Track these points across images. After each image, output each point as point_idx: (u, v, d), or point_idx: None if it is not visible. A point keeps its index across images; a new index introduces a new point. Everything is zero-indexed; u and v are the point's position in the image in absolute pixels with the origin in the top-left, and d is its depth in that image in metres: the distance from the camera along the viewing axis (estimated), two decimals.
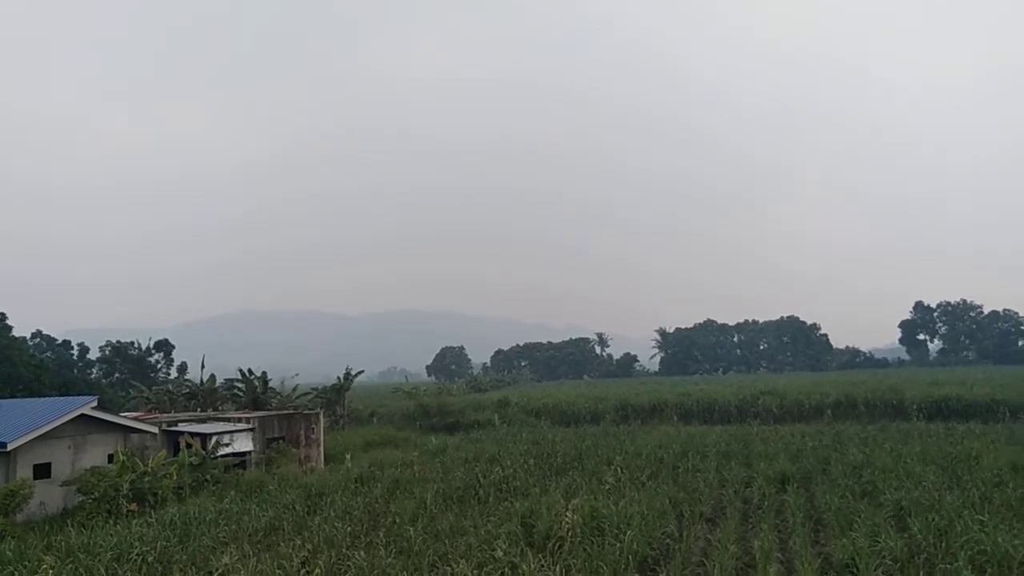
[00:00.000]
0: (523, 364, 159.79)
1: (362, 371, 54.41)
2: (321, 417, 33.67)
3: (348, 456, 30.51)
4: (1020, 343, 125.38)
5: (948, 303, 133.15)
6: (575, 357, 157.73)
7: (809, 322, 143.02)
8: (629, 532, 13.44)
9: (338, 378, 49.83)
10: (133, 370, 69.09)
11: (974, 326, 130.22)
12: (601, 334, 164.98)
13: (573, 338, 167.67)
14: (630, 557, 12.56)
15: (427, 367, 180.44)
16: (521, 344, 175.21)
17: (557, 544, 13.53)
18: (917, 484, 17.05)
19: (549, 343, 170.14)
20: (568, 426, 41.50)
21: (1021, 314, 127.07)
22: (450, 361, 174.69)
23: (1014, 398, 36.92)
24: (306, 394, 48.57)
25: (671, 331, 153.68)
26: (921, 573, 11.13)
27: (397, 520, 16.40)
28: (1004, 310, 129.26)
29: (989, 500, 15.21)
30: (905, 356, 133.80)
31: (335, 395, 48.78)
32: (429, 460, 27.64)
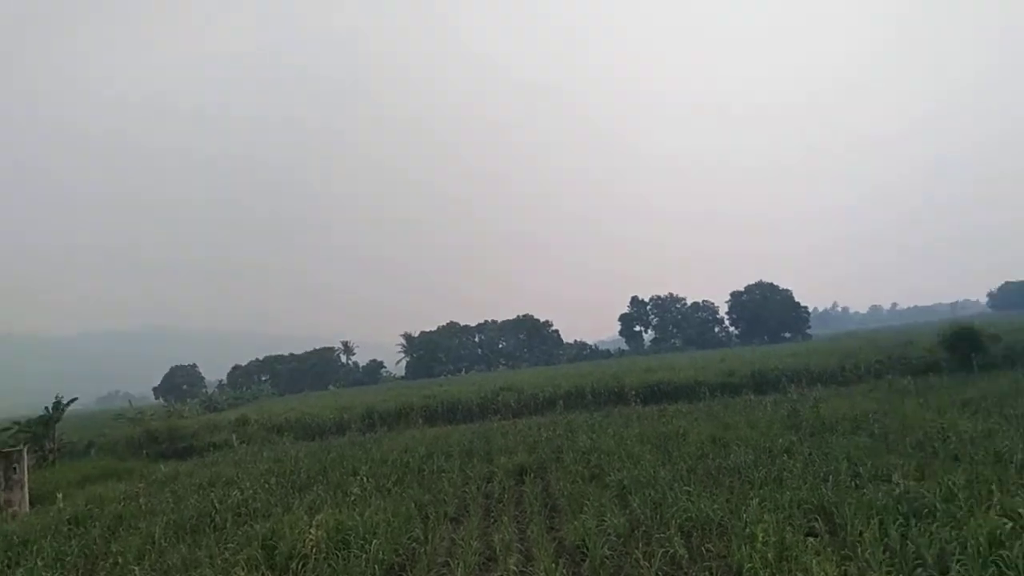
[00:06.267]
0: (264, 379, 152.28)
1: (75, 398, 48.53)
2: (24, 455, 29.54)
3: (59, 495, 27.11)
4: (716, 330, 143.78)
5: (659, 297, 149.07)
6: (319, 367, 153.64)
7: (543, 319, 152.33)
8: (375, 541, 13.37)
9: (46, 408, 44.04)
10: None
11: (679, 316, 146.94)
12: (346, 342, 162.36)
13: (317, 348, 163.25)
14: (376, 566, 12.49)
15: (154, 389, 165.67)
16: (261, 358, 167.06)
17: (301, 563, 13.08)
18: (636, 463, 18.68)
19: (291, 355, 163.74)
20: (313, 439, 40.29)
21: (715, 304, 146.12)
22: (181, 380, 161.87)
23: (712, 379, 42.00)
24: (6, 429, 42.30)
25: (416, 335, 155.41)
26: (640, 544, 12.27)
27: (120, 560, 14.86)
28: (703, 301, 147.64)
29: (694, 471, 17.09)
30: (625, 346, 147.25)
31: (42, 428, 43.01)
32: (158, 490, 25.37)
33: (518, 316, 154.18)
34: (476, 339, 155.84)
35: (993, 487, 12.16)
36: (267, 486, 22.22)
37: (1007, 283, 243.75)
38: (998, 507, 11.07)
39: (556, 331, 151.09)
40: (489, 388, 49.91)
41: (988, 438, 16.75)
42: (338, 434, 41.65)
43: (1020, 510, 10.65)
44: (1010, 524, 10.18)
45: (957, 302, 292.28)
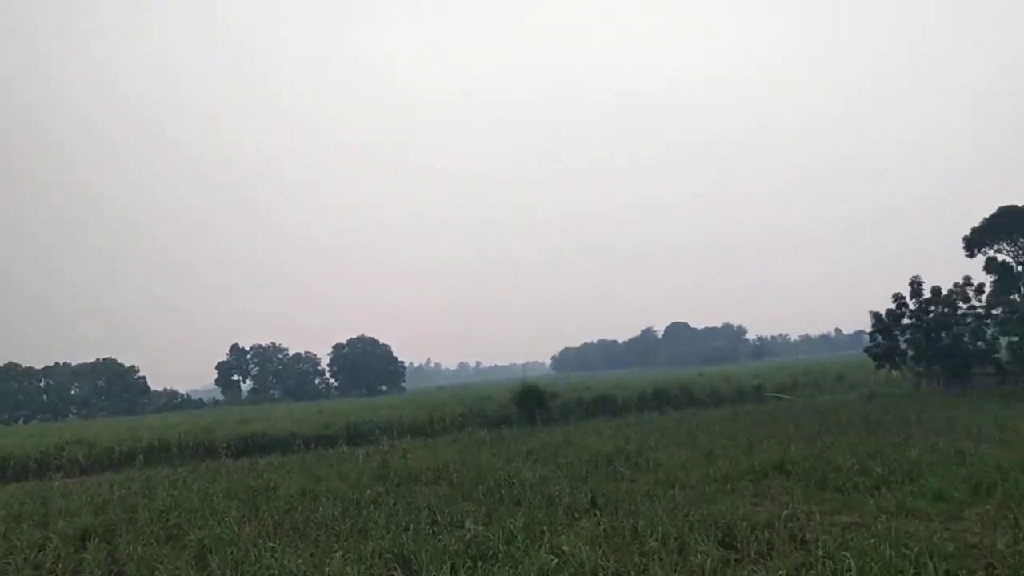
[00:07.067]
0: None
1: None
2: None
3: None
4: (316, 381, 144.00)
5: (260, 345, 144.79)
6: None
7: (128, 364, 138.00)
8: None
9: None
10: None
11: (281, 367, 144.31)
12: None
13: None
14: None
15: None
16: None
17: None
18: (220, 520, 17.70)
19: None
20: None
21: (317, 355, 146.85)
22: None
23: (308, 430, 41.85)
24: None
25: None
26: None
27: None
28: (305, 352, 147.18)
29: (281, 526, 16.75)
30: (220, 396, 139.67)
31: None
32: None
33: (97, 359, 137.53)
34: (42, 384, 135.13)
35: (545, 528, 13.97)
36: None
37: (566, 348, 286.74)
38: (548, 545, 12.74)
39: (143, 378, 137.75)
40: (53, 441, 43.48)
41: (543, 484, 19.21)
42: None
43: (564, 547, 12.37)
44: (556, 560, 11.77)
45: (528, 363, 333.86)
